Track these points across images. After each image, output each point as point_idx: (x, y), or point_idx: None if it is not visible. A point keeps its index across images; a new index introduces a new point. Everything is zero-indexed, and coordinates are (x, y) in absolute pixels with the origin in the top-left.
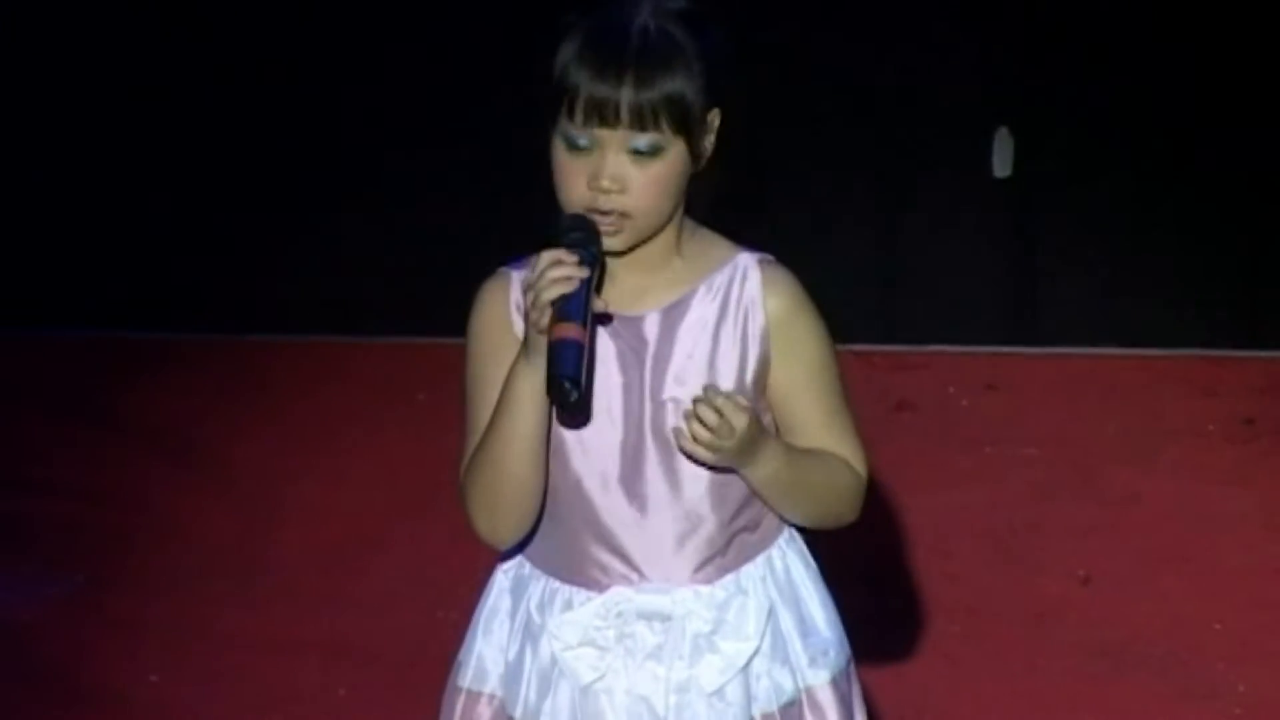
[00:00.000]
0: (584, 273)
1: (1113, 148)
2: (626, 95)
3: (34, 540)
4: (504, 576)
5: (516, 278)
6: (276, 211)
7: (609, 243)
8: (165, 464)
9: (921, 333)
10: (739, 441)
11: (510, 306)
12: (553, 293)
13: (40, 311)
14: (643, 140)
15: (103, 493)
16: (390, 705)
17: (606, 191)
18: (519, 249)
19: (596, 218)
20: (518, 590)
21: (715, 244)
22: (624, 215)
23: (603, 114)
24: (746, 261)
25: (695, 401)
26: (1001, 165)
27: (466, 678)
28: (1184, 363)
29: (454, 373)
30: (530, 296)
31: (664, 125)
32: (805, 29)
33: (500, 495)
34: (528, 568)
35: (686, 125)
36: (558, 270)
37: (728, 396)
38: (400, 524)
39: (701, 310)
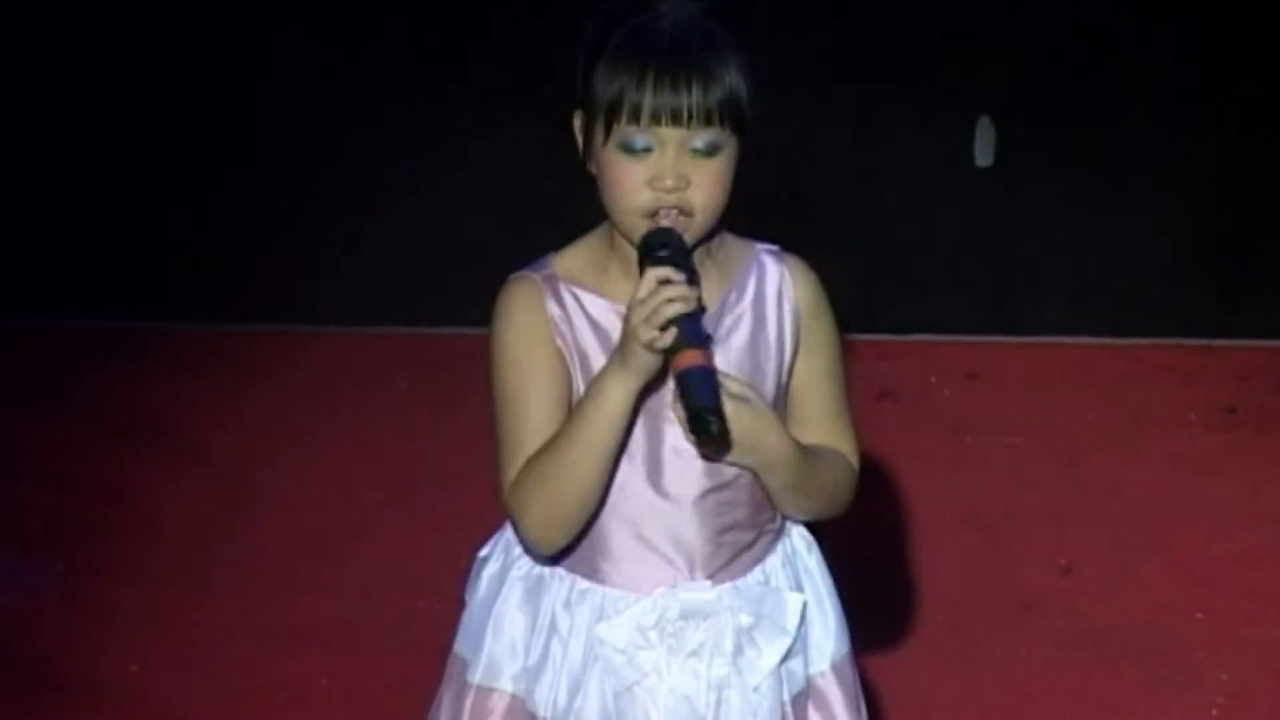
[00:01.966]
0: (697, 291)
1: (1094, 137)
2: (694, 91)
3: (12, 530)
4: (513, 569)
5: (543, 284)
6: (259, 202)
7: None
8: (145, 453)
9: (903, 321)
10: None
11: (547, 315)
12: (672, 310)
13: (15, 300)
14: (704, 138)
15: (82, 482)
16: (371, 694)
17: (671, 190)
18: (502, 241)
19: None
20: (535, 590)
21: (733, 242)
22: (687, 214)
23: (672, 112)
24: (764, 257)
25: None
26: (983, 154)
27: (477, 674)
28: (1165, 352)
29: (439, 364)
30: (642, 313)
31: (725, 122)
32: (787, 18)
33: (567, 505)
34: (545, 569)
35: (742, 122)
36: (672, 290)
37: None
38: (381, 513)
39: (736, 316)
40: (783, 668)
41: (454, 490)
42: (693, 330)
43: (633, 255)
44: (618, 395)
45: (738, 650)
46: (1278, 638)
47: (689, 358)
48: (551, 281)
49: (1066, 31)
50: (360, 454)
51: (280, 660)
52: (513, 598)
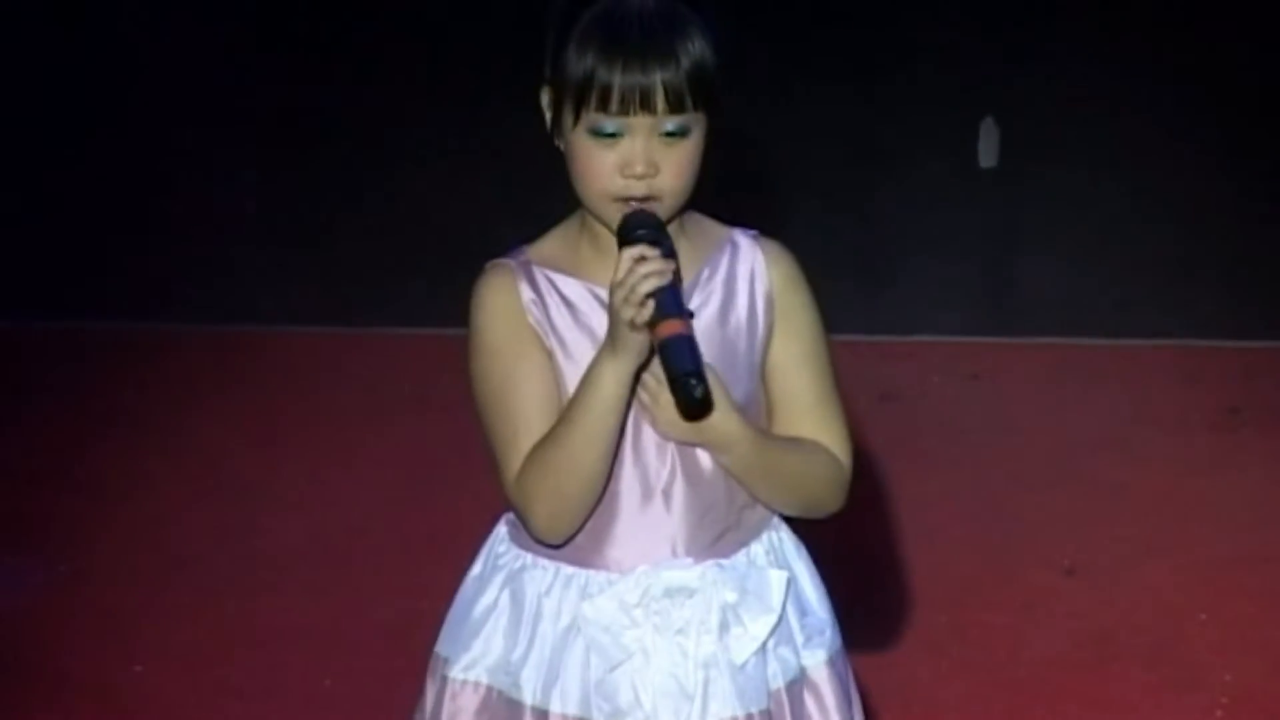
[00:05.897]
0: (672, 265)
1: (1097, 138)
2: (662, 80)
3: (13, 530)
4: (495, 569)
5: (517, 269)
6: (260, 204)
7: None
8: (150, 454)
9: (905, 322)
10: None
11: (520, 299)
12: (649, 285)
13: (18, 301)
14: (674, 122)
15: (84, 482)
16: (375, 695)
17: (641, 177)
18: (502, 243)
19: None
20: (515, 582)
21: (709, 225)
22: (655, 199)
23: (642, 99)
24: (740, 239)
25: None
26: (987, 155)
27: (454, 668)
28: (1168, 352)
29: (441, 365)
30: (621, 293)
31: (694, 105)
32: (792, 20)
33: (573, 493)
34: (527, 558)
35: (711, 103)
36: (648, 265)
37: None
38: (386, 515)
39: (707, 293)
40: (774, 653)
41: (457, 491)
42: (670, 301)
43: (605, 234)
44: (611, 380)
45: (724, 627)
46: None
47: (668, 327)
48: (526, 267)
49: (1070, 32)
50: (362, 455)
51: (285, 661)
52: (495, 593)
